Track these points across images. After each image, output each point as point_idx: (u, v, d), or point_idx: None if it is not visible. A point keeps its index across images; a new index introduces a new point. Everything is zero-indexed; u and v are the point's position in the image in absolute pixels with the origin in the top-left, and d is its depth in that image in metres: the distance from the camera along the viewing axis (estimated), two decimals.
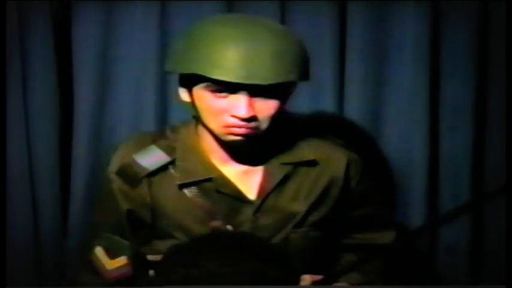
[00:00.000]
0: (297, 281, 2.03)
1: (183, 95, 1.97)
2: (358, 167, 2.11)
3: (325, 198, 2.06)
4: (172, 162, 2.00)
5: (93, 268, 1.96)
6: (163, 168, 2.00)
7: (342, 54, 2.59)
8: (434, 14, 2.57)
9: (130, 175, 1.99)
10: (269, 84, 1.85)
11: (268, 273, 1.92)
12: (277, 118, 1.92)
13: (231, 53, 1.84)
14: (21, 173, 2.49)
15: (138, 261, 1.96)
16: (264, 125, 1.91)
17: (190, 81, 1.92)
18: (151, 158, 2.00)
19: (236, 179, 2.01)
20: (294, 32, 2.00)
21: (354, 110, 2.59)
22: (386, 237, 2.16)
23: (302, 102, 2.55)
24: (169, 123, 2.30)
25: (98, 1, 2.50)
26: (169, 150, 2.01)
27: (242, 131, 1.89)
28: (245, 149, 1.98)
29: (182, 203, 1.99)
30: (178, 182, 1.99)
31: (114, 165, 2.02)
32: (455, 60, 2.58)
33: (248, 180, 2.01)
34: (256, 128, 1.90)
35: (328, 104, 2.60)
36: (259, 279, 1.88)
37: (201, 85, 1.89)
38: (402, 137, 2.60)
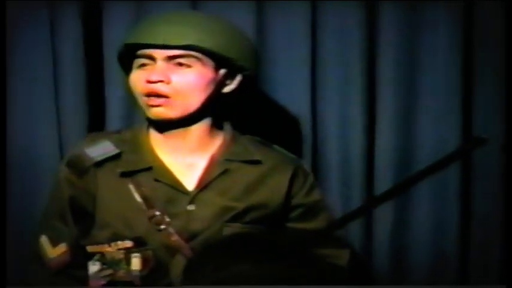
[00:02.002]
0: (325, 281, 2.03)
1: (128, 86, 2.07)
2: (307, 180, 2.15)
3: (268, 199, 2.07)
4: (119, 154, 2.05)
5: (39, 258, 2.05)
6: (111, 159, 2.05)
7: (371, 56, 2.58)
8: (467, 16, 2.55)
9: (78, 165, 2.05)
10: (178, 46, 1.95)
11: (296, 274, 1.92)
12: (207, 98, 2.00)
13: (150, 24, 2.01)
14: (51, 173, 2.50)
15: (78, 251, 2.03)
16: (179, 94, 1.97)
17: (129, 67, 2.04)
18: (100, 149, 2.06)
19: (178, 171, 2.04)
20: (237, 27, 2.08)
21: (385, 112, 2.58)
22: (342, 256, 2.16)
23: (331, 103, 2.57)
24: None
25: (128, 1, 2.51)
26: (118, 143, 2.08)
27: (158, 101, 1.97)
28: (173, 125, 2.02)
29: (122, 192, 2.02)
30: (120, 171, 2.02)
31: (66, 157, 2.11)
32: (488, 62, 2.55)
33: (190, 172, 2.05)
34: (170, 96, 1.96)
35: (357, 106, 2.59)
36: (288, 281, 1.87)
37: (134, 65, 2.01)
38: (435, 140, 2.58)
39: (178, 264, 2.00)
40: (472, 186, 2.60)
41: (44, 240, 2.05)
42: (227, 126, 2.13)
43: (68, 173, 2.05)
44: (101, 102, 2.54)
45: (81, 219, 2.05)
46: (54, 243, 2.04)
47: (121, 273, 1.99)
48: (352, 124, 2.59)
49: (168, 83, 1.96)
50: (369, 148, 2.60)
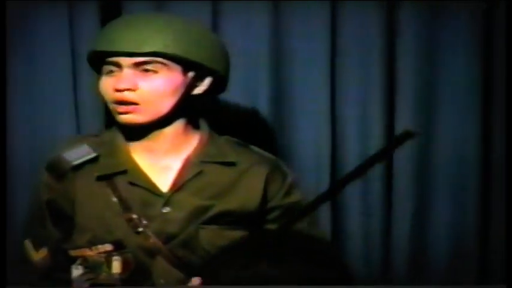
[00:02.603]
0: (348, 282, 2.03)
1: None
2: (285, 181, 2.11)
3: (243, 201, 2.05)
4: (97, 158, 2.04)
5: (26, 259, 2.06)
6: (88, 162, 2.03)
7: (390, 56, 2.58)
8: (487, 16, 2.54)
9: (56, 168, 2.04)
10: (144, 53, 1.92)
11: (319, 274, 1.92)
12: (177, 102, 1.97)
13: (113, 30, 1.97)
14: None
15: (60, 255, 2.02)
16: (147, 101, 1.94)
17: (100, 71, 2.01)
18: (77, 152, 2.04)
19: (153, 173, 2.02)
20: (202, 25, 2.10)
21: (405, 111, 2.59)
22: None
23: (351, 102, 2.58)
24: None
25: (148, 0, 2.52)
26: (96, 146, 2.05)
27: (125, 108, 1.95)
28: (145, 130, 2.00)
29: (100, 197, 2.01)
30: (96, 174, 2.01)
31: (46, 161, 2.07)
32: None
33: (165, 174, 2.03)
34: (138, 103, 1.94)
35: (376, 106, 2.60)
36: (309, 281, 1.87)
37: (102, 71, 1.98)
38: (455, 137, 2.58)
39: (159, 266, 1.99)
40: (491, 188, 2.59)
41: (27, 243, 2.06)
42: (204, 126, 2.10)
43: (47, 176, 2.04)
44: None
45: (61, 223, 2.04)
46: (37, 247, 2.05)
47: (102, 276, 1.99)
48: (372, 124, 2.59)
49: (135, 90, 1.94)
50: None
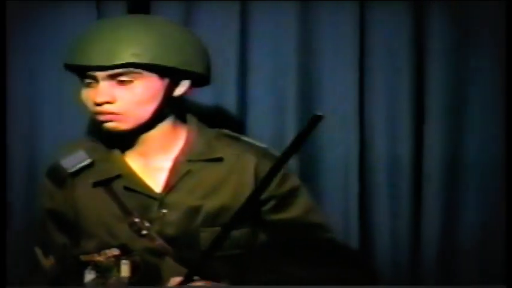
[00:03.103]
0: (374, 283, 2.02)
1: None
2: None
3: (235, 196, 2.01)
4: (92, 163, 2.04)
5: (39, 267, 2.07)
6: (85, 168, 2.03)
7: (419, 57, 2.57)
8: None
9: (55, 176, 2.05)
10: (116, 66, 1.89)
11: (346, 276, 1.92)
12: (159, 106, 1.95)
13: (84, 42, 1.93)
14: None
15: (70, 261, 2.03)
16: (128, 110, 1.93)
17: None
18: (74, 159, 2.04)
19: (146, 176, 2.02)
20: (170, 25, 2.01)
21: (433, 113, 2.58)
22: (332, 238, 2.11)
23: (379, 102, 2.58)
24: None
25: (176, 1, 2.52)
26: (91, 151, 2.05)
27: (106, 117, 1.94)
28: (131, 135, 2.00)
29: (100, 202, 2.01)
30: (91, 181, 2.02)
31: (47, 168, 2.08)
32: None
33: (157, 176, 2.02)
34: (118, 114, 1.93)
35: (405, 105, 2.59)
36: (336, 282, 1.87)
37: (81, 82, 1.97)
38: (484, 138, 2.57)
39: (168, 267, 1.99)
40: None
41: (37, 251, 2.07)
42: (192, 120, 2.08)
43: (48, 183, 2.06)
44: None
45: (66, 229, 2.05)
46: (46, 254, 2.06)
47: (112, 280, 1.99)
48: (400, 124, 2.59)
49: (113, 102, 1.93)
50: (417, 149, 2.59)
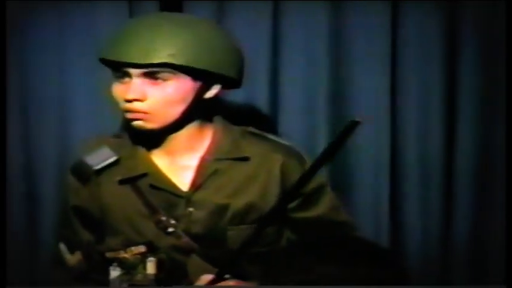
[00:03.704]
0: (405, 283, 2.02)
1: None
2: (303, 166, 2.06)
3: (262, 195, 2.03)
4: (118, 161, 2.03)
5: (63, 263, 2.06)
6: (110, 165, 2.03)
7: (451, 60, 2.58)
8: None
9: (81, 173, 2.04)
10: (152, 64, 1.89)
11: (376, 275, 1.91)
12: (188, 107, 1.94)
13: (123, 39, 1.92)
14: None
15: (95, 257, 2.02)
16: (158, 109, 1.92)
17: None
18: (99, 156, 2.04)
19: (173, 174, 2.02)
20: (209, 28, 1.98)
21: (467, 111, 2.58)
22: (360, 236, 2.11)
23: (410, 102, 2.58)
24: None
25: (209, 0, 2.51)
26: (117, 148, 2.05)
27: (135, 115, 1.93)
28: (158, 134, 1.99)
29: (127, 200, 2.01)
30: (118, 179, 2.01)
31: (71, 164, 2.07)
32: None
33: (184, 174, 2.02)
34: (147, 113, 1.92)
35: (437, 105, 2.59)
36: (369, 282, 1.87)
37: (113, 76, 1.96)
38: None
39: (194, 264, 1.99)
40: None
41: (62, 247, 2.06)
42: (218, 119, 2.07)
43: (73, 180, 2.05)
44: None
45: (91, 226, 2.05)
46: (71, 250, 2.05)
47: (138, 277, 1.99)
48: (432, 124, 2.59)
49: (144, 100, 1.92)
50: (448, 149, 2.60)
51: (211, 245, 2.00)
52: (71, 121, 2.55)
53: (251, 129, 2.11)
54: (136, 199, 2.00)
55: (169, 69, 1.91)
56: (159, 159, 2.03)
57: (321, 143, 2.52)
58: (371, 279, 1.90)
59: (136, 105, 1.92)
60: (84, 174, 2.03)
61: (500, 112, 2.55)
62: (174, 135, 2.00)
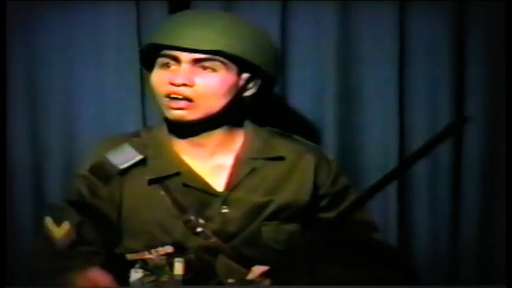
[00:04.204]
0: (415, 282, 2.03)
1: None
2: (331, 169, 2.12)
3: (297, 194, 2.06)
4: (144, 160, 2.01)
5: (47, 240, 1.99)
6: (135, 165, 2.01)
7: (459, 55, 2.58)
8: None
9: (102, 173, 2.00)
10: (205, 51, 1.91)
11: (390, 277, 1.91)
12: (229, 102, 1.96)
13: (177, 25, 1.95)
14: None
15: (118, 261, 1.99)
16: (202, 98, 1.94)
17: (151, 64, 2.00)
18: (123, 156, 2.02)
19: (205, 173, 2.02)
20: (260, 27, 2.03)
21: (475, 110, 2.58)
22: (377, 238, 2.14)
23: (418, 102, 2.59)
24: None
25: (217, 0, 2.51)
26: (141, 148, 2.03)
27: (179, 104, 1.94)
28: (194, 129, 2.00)
29: (154, 199, 1.99)
30: (148, 178, 1.99)
31: (86, 163, 2.02)
32: None
33: (217, 173, 2.02)
34: (192, 100, 1.93)
35: (445, 105, 2.59)
36: (377, 282, 1.87)
37: (156, 64, 1.97)
38: None
39: (222, 264, 1.99)
40: None
41: (48, 221, 2.00)
42: (246, 120, 2.10)
43: (92, 180, 2.01)
44: None
45: (103, 227, 2.01)
46: (58, 222, 1.99)
47: (164, 278, 1.97)
48: (440, 124, 2.55)
49: (192, 86, 1.93)
50: (456, 148, 2.60)
51: (244, 242, 2.00)
52: (77, 120, 2.53)
53: (276, 130, 2.14)
54: (164, 199, 1.99)
55: (221, 58, 1.93)
56: (189, 159, 2.03)
57: (329, 144, 2.53)
58: (377, 279, 1.91)
59: (182, 90, 1.93)
60: (106, 173, 2.00)
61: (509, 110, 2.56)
62: (204, 134, 2.01)
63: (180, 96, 1.94)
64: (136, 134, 2.09)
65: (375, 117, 2.58)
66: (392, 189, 2.57)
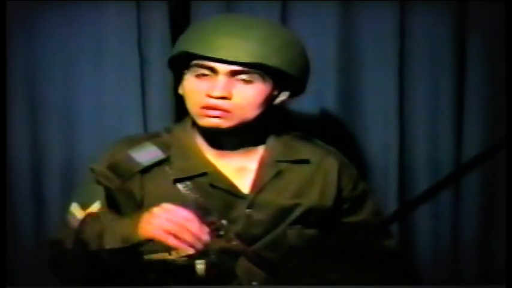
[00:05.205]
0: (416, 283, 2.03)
1: (180, 89, 2.01)
2: (352, 173, 2.13)
3: (322, 197, 2.05)
4: (167, 159, 1.99)
5: (69, 227, 1.95)
6: (158, 164, 1.99)
7: (460, 55, 2.58)
8: None
9: (123, 170, 1.97)
10: (246, 64, 1.89)
11: (390, 281, 1.91)
12: (262, 111, 1.95)
13: (214, 34, 1.91)
14: None
15: (134, 261, 1.93)
16: (239, 109, 1.92)
17: (183, 68, 1.97)
18: (147, 154, 2.00)
19: (231, 175, 2.00)
20: (295, 34, 2.03)
21: (475, 111, 2.59)
22: (387, 245, 2.14)
23: (419, 102, 2.58)
24: None
25: (217, 0, 2.50)
26: (164, 147, 2.01)
27: (215, 113, 1.92)
28: (237, 140, 1.99)
29: (176, 199, 1.92)
30: (173, 177, 1.97)
31: (104, 160, 1.99)
32: None
33: (242, 176, 2.01)
34: (230, 111, 1.91)
35: (446, 105, 2.59)
36: (378, 282, 1.87)
37: (189, 70, 1.94)
38: None
39: (242, 267, 1.98)
40: None
41: (74, 207, 1.97)
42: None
43: (112, 177, 1.98)
44: None
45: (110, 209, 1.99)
46: (85, 206, 1.95)
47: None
48: (440, 125, 2.60)
49: (230, 99, 1.91)
50: (456, 150, 2.60)
51: (268, 245, 1.99)
52: (77, 121, 2.52)
53: (297, 133, 2.13)
54: (187, 199, 1.95)
55: (258, 71, 1.91)
56: (215, 160, 2.01)
57: (330, 144, 2.51)
58: (378, 280, 1.90)
59: (220, 102, 1.91)
60: (127, 170, 1.98)
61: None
62: (229, 136, 1.99)
63: (218, 108, 1.92)
64: (156, 134, 2.07)
65: (375, 117, 2.57)
66: (392, 189, 2.57)
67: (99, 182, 1.98)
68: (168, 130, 2.08)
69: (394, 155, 2.58)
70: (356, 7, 2.54)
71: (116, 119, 2.52)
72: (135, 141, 2.03)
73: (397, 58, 2.55)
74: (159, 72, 2.49)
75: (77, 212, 1.96)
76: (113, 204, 1.98)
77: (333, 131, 2.54)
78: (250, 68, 1.90)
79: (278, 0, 2.51)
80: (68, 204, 1.99)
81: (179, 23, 2.50)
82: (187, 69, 1.96)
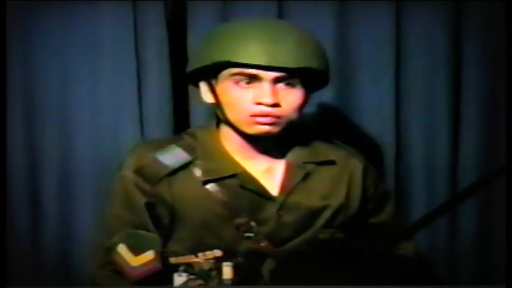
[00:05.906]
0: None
1: (205, 95, 2.00)
2: (373, 174, 2.14)
3: (348, 199, 2.07)
4: (192, 162, 1.99)
5: (116, 267, 1.92)
6: (185, 166, 1.98)
7: (456, 58, 2.58)
8: None
9: (151, 173, 1.96)
10: (291, 69, 1.88)
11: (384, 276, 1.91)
12: (301, 111, 1.96)
13: (254, 41, 1.88)
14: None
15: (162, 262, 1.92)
16: (288, 114, 1.93)
17: (212, 76, 1.95)
18: (173, 156, 1.99)
19: (259, 176, 2.00)
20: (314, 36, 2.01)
21: (472, 114, 2.60)
22: (408, 247, 2.14)
23: (415, 106, 2.58)
24: None
25: (213, 1, 2.49)
26: (189, 149, 2.00)
27: (267, 120, 1.91)
28: (268, 143, 1.99)
29: (205, 201, 1.96)
30: (202, 179, 1.97)
31: (131, 164, 1.98)
32: None
33: (270, 177, 2.01)
34: (280, 117, 1.92)
35: (442, 109, 2.60)
36: (377, 282, 1.86)
37: (225, 78, 1.92)
38: None
39: (269, 269, 1.97)
40: None
41: (122, 249, 1.91)
42: None
43: (140, 181, 1.96)
44: (185, 103, 2.52)
45: (158, 228, 1.97)
46: (137, 252, 1.90)
47: (213, 283, 1.90)
48: (437, 129, 2.60)
49: (280, 105, 1.91)
50: (453, 154, 2.61)
51: (299, 247, 1.99)
52: (73, 123, 2.52)
53: (318, 134, 2.14)
54: (216, 201, 1.96)
55: (299, 75, 1.91)
56: (243, 161, 2.01)
57: None
58: (377, 279, 1.89)
59: (271, 110, 1.90)
60: (156, 174, 1.97)
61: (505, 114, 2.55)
62: (267, 141, 1.99)
63: (268, 115, 1.91)
64: (179, 137, 2.06)
65: (372, 116, 2.57)
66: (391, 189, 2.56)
67: (127, 192, 1.96)
68: (190, 133, 2.07)
69: (390, 157, 2.58)
70: (352, 7, 2.53)
71: (113, 121, 2.51)
72: (158, 145, 2.02)
73: (394, 59, 2.55)
74: (156, 74, 2.49)
75: (127, 256, 1.91)
76: (154, 216, 1.97)
77: (329, 131, 2.53)
78: (293, 73, 1.90)
79: (275, 1, 2.50)
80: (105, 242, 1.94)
81: (175, 24, 2.50)
82: (215, 77, 1.95)
